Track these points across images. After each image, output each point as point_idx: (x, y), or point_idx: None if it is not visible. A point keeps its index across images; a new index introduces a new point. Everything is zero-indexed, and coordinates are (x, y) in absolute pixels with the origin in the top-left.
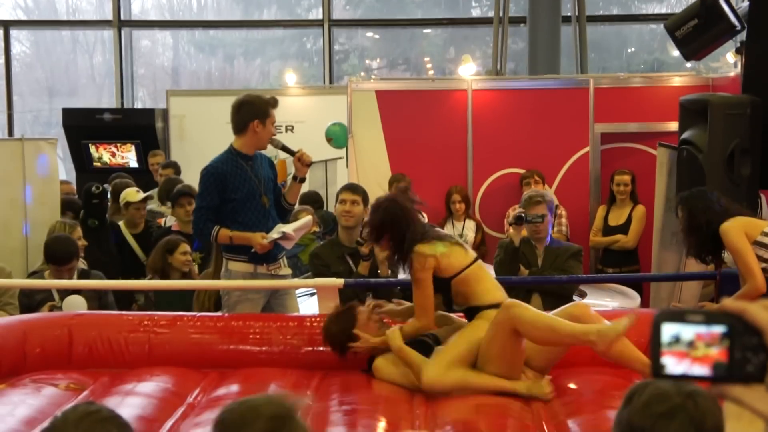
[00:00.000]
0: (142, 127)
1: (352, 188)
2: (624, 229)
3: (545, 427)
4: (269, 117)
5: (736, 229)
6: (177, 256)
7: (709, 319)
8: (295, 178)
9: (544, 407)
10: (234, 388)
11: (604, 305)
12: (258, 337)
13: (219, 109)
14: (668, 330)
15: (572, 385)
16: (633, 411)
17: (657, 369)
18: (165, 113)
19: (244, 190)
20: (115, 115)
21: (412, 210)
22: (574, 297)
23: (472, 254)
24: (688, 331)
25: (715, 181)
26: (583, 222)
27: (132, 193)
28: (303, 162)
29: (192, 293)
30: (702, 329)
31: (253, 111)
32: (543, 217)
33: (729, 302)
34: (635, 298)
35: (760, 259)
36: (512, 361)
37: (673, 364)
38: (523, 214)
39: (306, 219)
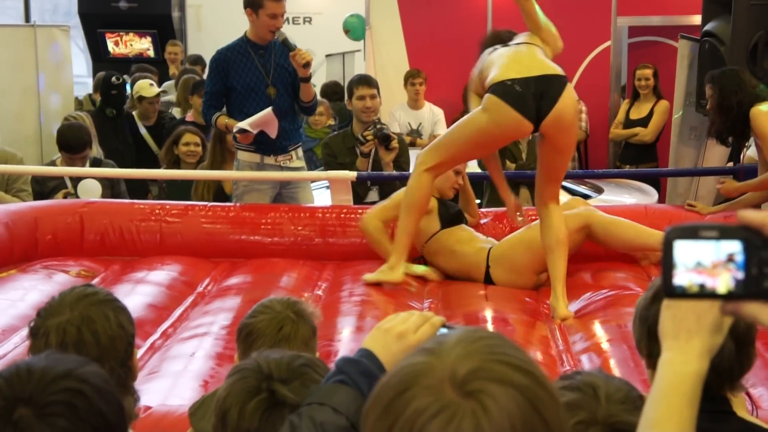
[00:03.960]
0: (158, 17)
1: (368, 82)
2: (645, 122)
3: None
4: (262, 8)
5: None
6: (180, 147)
7: (724, 234)
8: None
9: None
10: (244, 278)
11: (621, 201)
12: (269, 227)
13: None
14: (681, 248)
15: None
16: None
17: (669, 288)
18: (182, 2)
19: (247, 79)
20: (131, 3)
21: None
22: (589, 192)
23: None
24: (701, 249)
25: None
26: (603, 117)
27: (146, 87)
28: (296, 63)
29: None
30: (716, 245)
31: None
32: None
33: (747, 214)
34: (653, 195)
35: None
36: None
37: (685, 282)
38: None
39: (265, 111)
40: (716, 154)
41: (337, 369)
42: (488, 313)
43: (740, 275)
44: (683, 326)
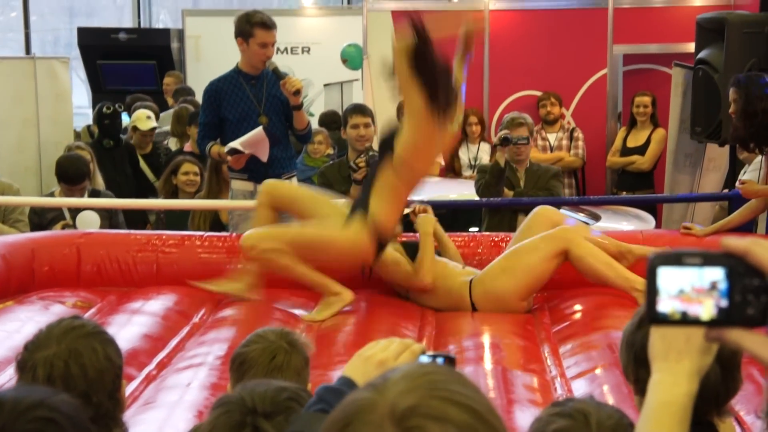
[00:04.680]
0: (157, 48)
1: (362, 110)
2: (642, 150)
3: (547, 347)
4: (253, 37)
5: None
6: (179, 177)
7: (707, 260)
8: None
9: (548, 326)
10: (240, 308)
11: (618, 228)
12: None
13: None
14: (664, 274)
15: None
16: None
17: (653, 315)
18: (181, 33)
19: (240, 109)
20: (130, 35)
21: None
22: (586, 219)
23: None
24: (685, 275)
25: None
26: (600, 145)
27: (142, 119)
28: (287, 90)
29: None
30: (699, 272)
31: (237, 29)
32: (527, 139)
33: (730, 241)
34: (650, 221)
35: None
36: (535, 281)
37: (668, 309)
38: (509, 136)
39: (256, 130)
40: (711, 181)
41: (317, 398)
42: (483, 339)
43: (724, 302)
44: (673, 347)
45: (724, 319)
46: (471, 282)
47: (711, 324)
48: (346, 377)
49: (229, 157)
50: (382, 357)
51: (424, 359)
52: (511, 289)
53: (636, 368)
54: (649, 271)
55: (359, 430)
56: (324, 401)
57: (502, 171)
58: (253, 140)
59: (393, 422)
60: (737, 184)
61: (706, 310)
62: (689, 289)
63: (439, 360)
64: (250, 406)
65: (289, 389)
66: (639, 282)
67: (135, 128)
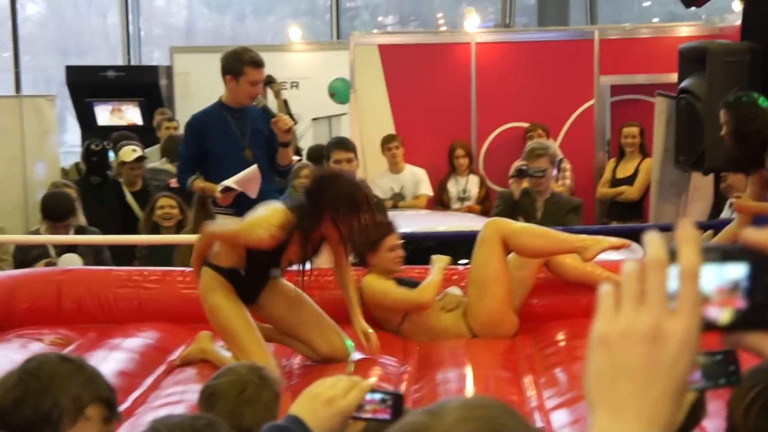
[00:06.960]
0: (145, 85)
1: (344, 145)
2: (631, 181)
3: (529, 377)
4: (243, 75)
5: None
6: (156, 212)
7: (727, 256)
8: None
9: (534, 355)
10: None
11: (607, 258)
12: None
13: None
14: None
15: (553, 336)
16: None
17: None
18: (169, 70)
19: (224, 143)
20: (118, 72)
21: None
22: None
23: None
24: (705, 274)
25: (714, 130)
26: (588, 175)
27: (127, 153)
28: (279, 128)
29: None
30: (719, 269)
31: (226, 66)
32: (544, 171)
33: (752, 233)
34: (639, 252)
35: None
36: (507, 285)
37: None
38: (524, 167)
39: (251, 168)
40: (696, 210)
41: None
42: (465, 371)
43: (744, 303)
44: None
45: (743, 321)
46: (464, 314)
47: (729, 328)
48: (294, 415)
49: (219, 195)
50: (330, 395)
51: (374, 396)
52: (495, 306)
53: None
54: None
55: None
56: None
57: (516, 203)
58: (247, 178)
59: None
60: (732, 199)
61: (725, 313)
62: (712, 290)
63: (388, 397)
64: None
65: (204, 417)
66: (578, 239)
67: (123, 163)
